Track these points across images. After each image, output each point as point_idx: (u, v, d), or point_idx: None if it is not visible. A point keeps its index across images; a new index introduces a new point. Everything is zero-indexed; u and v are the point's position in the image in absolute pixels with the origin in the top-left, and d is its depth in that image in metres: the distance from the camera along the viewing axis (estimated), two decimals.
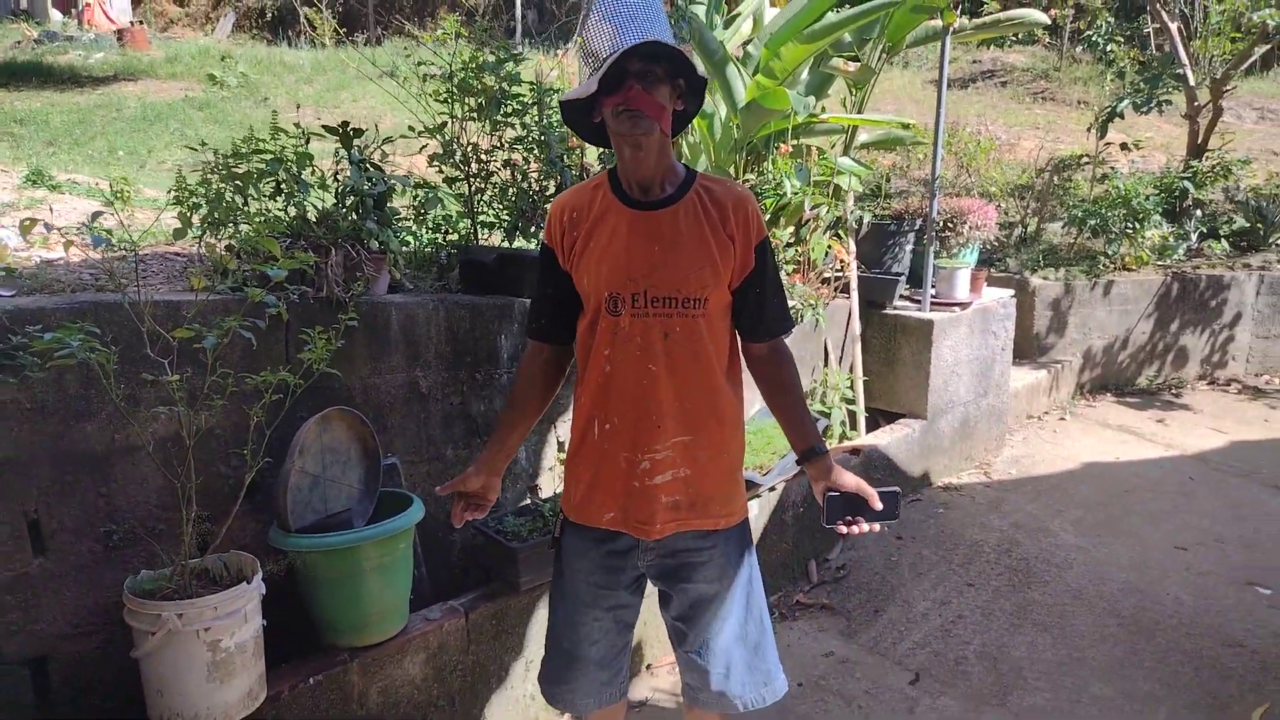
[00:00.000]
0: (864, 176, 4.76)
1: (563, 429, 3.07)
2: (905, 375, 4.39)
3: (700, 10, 4.34)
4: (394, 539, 2.20)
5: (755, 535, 2.93)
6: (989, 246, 5.88)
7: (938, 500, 4.30)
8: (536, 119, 3.16)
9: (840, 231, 4.35)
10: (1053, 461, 4.81)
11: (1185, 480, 4.55)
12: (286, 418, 2.10)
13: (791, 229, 4.01)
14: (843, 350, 4.39)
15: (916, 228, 4.73)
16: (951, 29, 4.32)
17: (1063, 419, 5.53)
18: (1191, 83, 6.73)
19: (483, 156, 3.14)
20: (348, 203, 2.55)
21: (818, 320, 3.97)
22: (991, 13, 5.61)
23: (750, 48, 4.50)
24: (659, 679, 2.91)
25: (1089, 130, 6.97)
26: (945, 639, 3.13)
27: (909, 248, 4.78)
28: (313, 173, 2.53)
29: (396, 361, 2.59)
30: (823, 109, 4.52)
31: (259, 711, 1.95)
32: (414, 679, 2.32)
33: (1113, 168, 6.94)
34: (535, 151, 3.17)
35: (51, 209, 3.13)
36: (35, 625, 1.92)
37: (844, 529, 1.76)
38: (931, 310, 4.40)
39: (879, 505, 1.74)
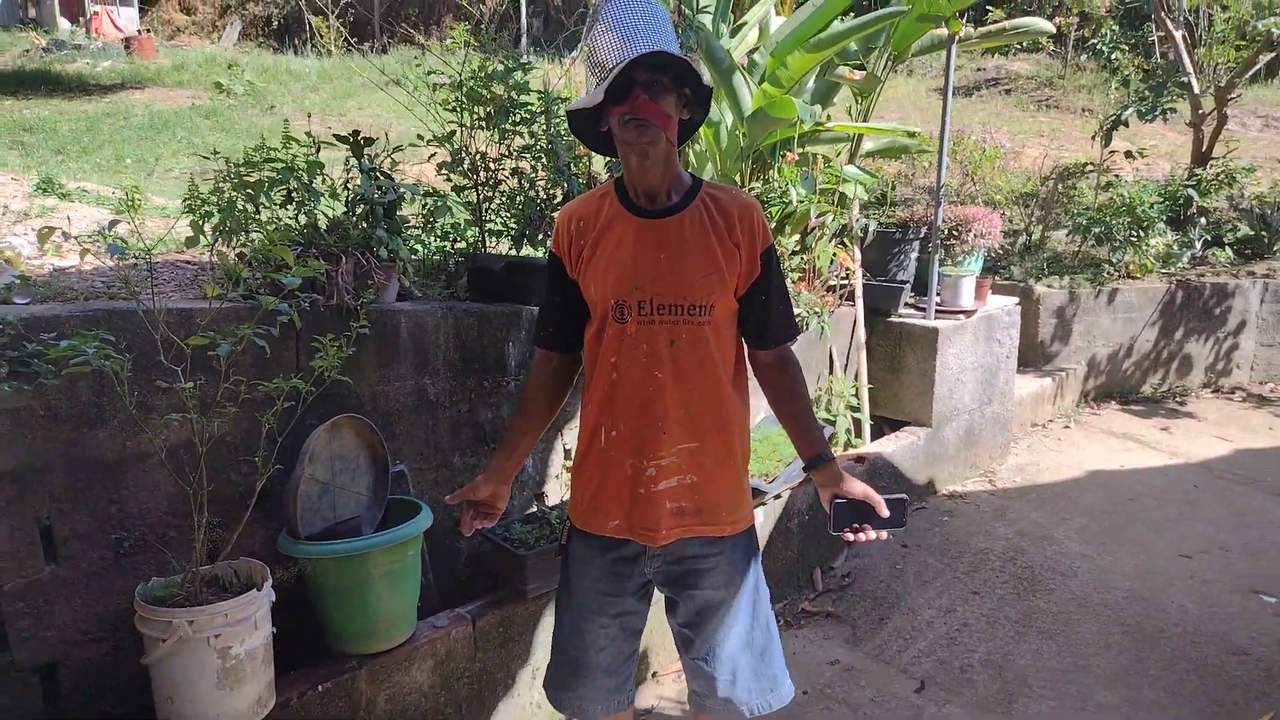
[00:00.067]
0: (869, 184, 4.77)
1: (570, 436, 3.08)
2: (910, 383, 4.40)
3: (707, 19, 4.36)
4: (402, 546, 2.21)
5: (761, 543, 2.94)
6: (994, 254, 5.89)
7: (943, 508, 4.30)
8: (544, 127, 3.18)
9: (845, 239, 4.35)
10: (1057, 469, 4.81)
11: (1190, 488, 4.54)
12: (296, 425, 2.11)
13: (797, 237, 4.02)
14: (848, 358, 4.40)
15: (921, 235, 4.74)
16: (957, 38, 4.33)
17: (1067, 427, 5.52)
18: (1196, 90, 6.73)
19: (491, 165, 3.16)
20: (358, 211, 2.57)
21: (823, 328, 3.98)
22: (996, 21, 5.61)
23: (756, 56, 4.52)
24: (665, 686, 2.92)
25: (1093, 138, 6.97)
26: (950, 647, 3.13)
27: (914, 255, 4.80)
28: (323, 181, 2.55)
29: (405, 369, 2.60)
30: (828, 117, 4.54)
31: (268, 718, 1.96)
32: (421, 686, 2.32)
33: (1117, 175, 6.95)
34: (543, 160, 3.19)
35: (69, 218, 3.16)
36: (46, 631, 1.93)
37: (851, 536, 1.76)
38: (936, 318, 4.40)
39: (886, 512, 1.74)
